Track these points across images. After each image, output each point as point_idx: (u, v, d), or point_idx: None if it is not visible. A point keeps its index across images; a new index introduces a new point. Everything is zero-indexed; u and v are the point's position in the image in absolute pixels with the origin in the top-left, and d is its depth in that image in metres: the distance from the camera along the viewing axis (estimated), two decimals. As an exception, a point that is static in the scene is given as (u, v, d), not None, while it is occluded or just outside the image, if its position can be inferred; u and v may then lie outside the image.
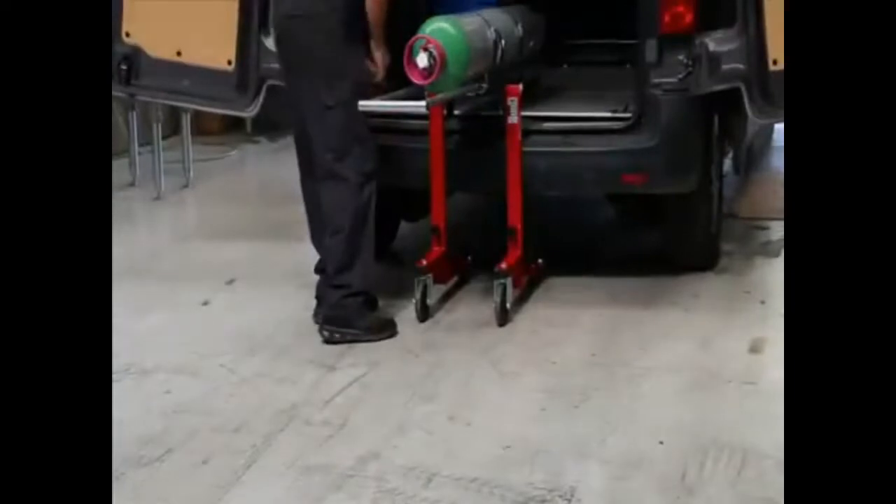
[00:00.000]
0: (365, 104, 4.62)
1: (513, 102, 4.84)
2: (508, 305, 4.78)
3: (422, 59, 4.41)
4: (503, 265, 4.79)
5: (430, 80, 4.47)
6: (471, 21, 4.87)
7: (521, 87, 4.90)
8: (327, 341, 4.55)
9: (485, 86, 4.95)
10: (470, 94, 4.95)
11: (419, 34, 4.48)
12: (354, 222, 4.59)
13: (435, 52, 4.40)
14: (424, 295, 4.83)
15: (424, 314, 4.82)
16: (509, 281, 4.76)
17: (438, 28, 4.50)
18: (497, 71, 4.99)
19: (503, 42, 5.00)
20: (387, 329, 4.66)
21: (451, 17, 4.69)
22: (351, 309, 4.58)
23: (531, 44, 5.41)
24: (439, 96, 4.68)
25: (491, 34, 4.93)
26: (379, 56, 4.69)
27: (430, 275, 4.87)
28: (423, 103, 4.59)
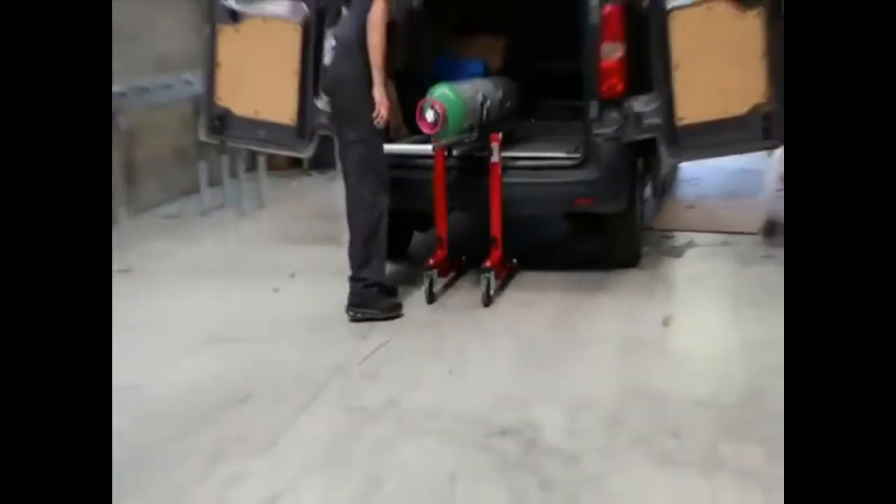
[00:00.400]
0: (388, 147, 4.64)
1: (495, 146, 4.84)
2: (492, 293, 4.78)
3: (429, 115, 4.50)
4: (488, 263, 4.80)
5: (435, 131, 4.55)
6: (465, 87, 4.93)
7: (501, 135, 4.90)
8: (352, 319, 4.52)
9: (475, 134, 4.97)
10: (465, 140, 4.97)
11: (428, 97, 4.54)
12: (368, 234, 4.55)
13: (439, 110, 4.47)
14: (431, 285, 4.82)
15: (431, 299, 4.82)
16: (492, 275, 4.77)
17: (442, 93, 4.57)
18: (484, 124, 5.01)
19: (488, 103, 5.04)
20: (395, 310, 4.60)
21: (451, 84, 4.74)
22: (369, 296, 4.54)
23: (508, 104, 5.43)
24: (442, 142, 4.72)
25: (479, 97, 4.98)
26: (378, 94, 4.46)
27: (435, 271, 4.86)
28: (430, 147, 4.65)
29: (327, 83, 4.79)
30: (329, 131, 5.05)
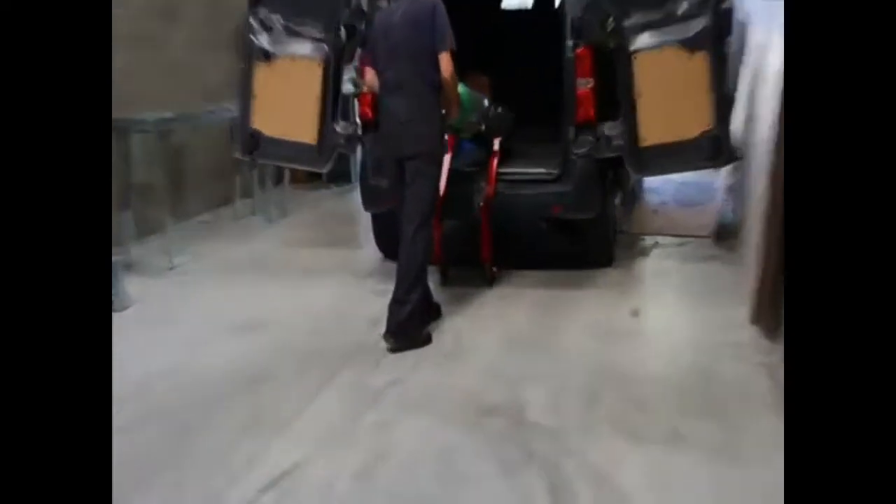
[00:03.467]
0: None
1: (496, 140, 4.88)
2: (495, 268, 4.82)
3: None
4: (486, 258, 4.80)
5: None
6: (475, 92, 4.92)
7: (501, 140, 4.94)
8: (393, 349, 3.91)
9: (482, 126, 4.89)
10: (474, 123, 4.89)
11: None
12: (421, 265, 4.05)
13: None
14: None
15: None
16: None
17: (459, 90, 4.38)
18: (490, 122, 4.96)
19: (493, 108, 5.01)
20: (427, 341, 4.03)
21: (464, 86, 4.60)
22: (412, 325, 3.98)
23: (507, 121, 5.36)
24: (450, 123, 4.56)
25: (486, 101, 4.97)
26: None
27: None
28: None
29: (394, 122, 4.16)
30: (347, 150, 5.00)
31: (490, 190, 4.85)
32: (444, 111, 4.18)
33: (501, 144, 4.98)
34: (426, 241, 4.10)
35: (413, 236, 4.06)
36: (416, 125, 4.08)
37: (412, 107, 4.08)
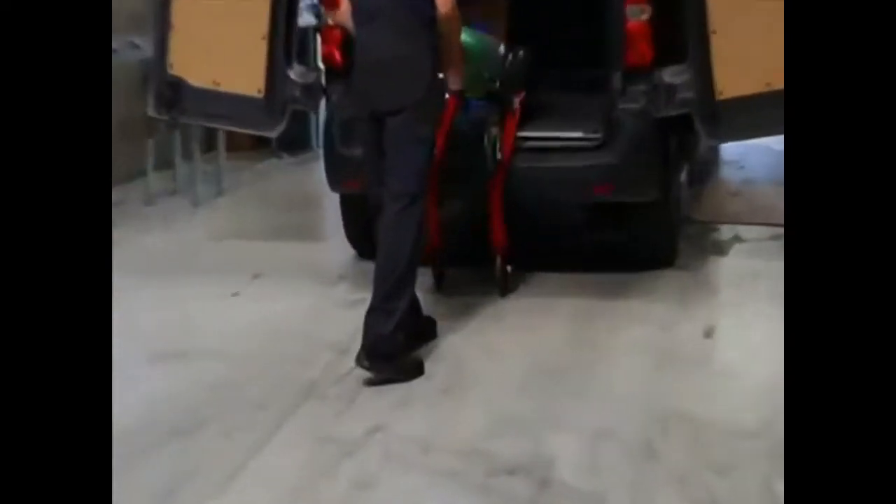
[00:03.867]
0: None
1: (515, 99, 4.93)
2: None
3: None
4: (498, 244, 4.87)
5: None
6: (486, 37, 4.96)
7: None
8: (370, 382, 3.94)
9: (496, 84, 4.91)
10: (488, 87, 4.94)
11: None
12: (410, 258, 4.06)
13: None
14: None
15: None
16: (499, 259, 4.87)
17: (463, 40, 4.45)
18: (506, 76, 4.97)
19: (510, 56, 5.01)
20: (418, 370, 4.05)
21: (469, 28, 4.65)
22: (395, 344, 3.99)
23: (528, 67, 5.39)
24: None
25: (501, 49, 5.00)
26: (455, 83, 4.47)
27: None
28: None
29: (368, 63, 4.21)
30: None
31: (506, 158, 4.87)
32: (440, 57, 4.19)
33: (522, 101, 4.99)
34: (415, 229, 4.10)
35: (397, 221, 4.07)
36: (399, 68, 4.08)
37: (395, 43, 4.09)
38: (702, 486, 3.19)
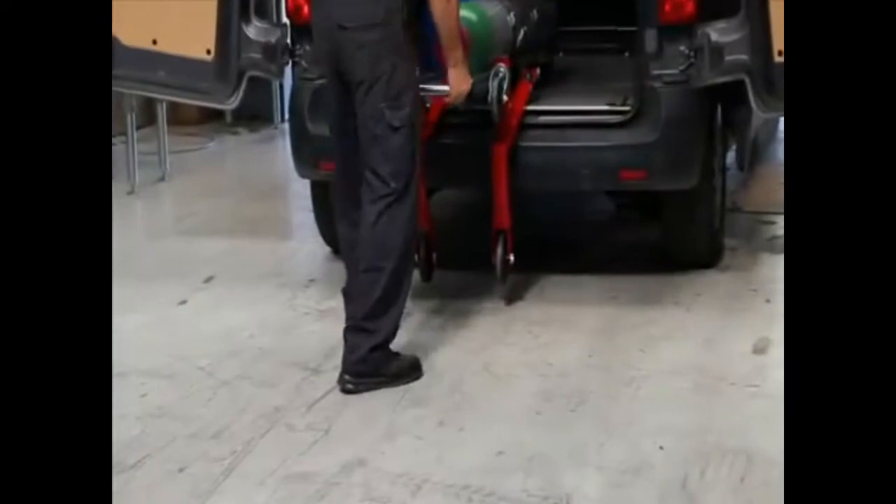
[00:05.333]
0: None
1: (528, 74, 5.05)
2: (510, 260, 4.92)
3: None
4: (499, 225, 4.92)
5: None
6: (492, 7, 4.98)
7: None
8: (350, 392, 4.17)
9: (503, 68, 4.96)
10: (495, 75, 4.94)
11: None
12: (395, 265, 4.19)
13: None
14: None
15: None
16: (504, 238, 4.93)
17: (464, 17, 4.53)
18: (518, 54, 5.06)
19: (524, 28, 5.10)
20: (414, 370, 4.31)
21: (474, 3, 4.78)
22: (378, 360, 4.22)
23: (546, 30, 5.45)
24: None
25: (511, 19, 5.05)
26: (456, 75, 4.41)
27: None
28: (446, 87, 4.54)
29: (324, 24, 4.30)
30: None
31: (514, 122, 4.90)
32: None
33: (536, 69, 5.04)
34: (403, 230, 4.19)
35: (377, 222, 4.16)
36: (364, 28, 4.14)
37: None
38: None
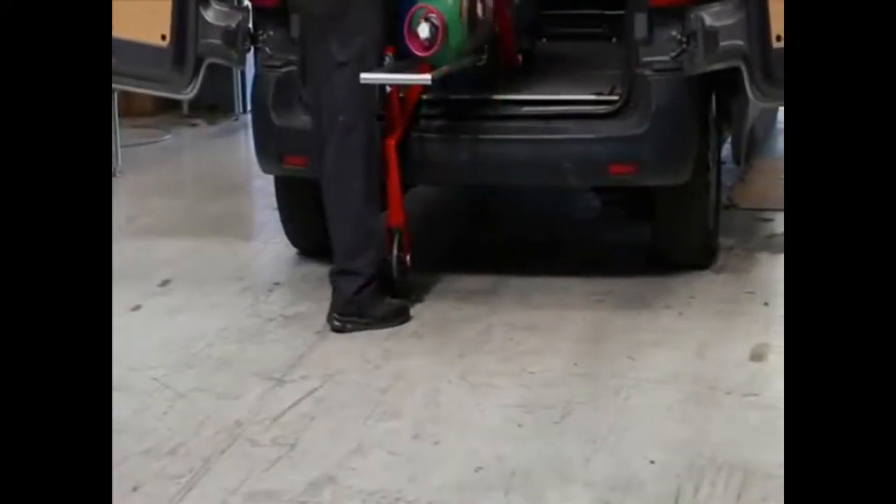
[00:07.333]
0: (366, 76, 4.61)
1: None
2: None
3: (423, 30, 4.57)
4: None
5: (431, 52, 4.57)
6: None
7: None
8: (338, 330, 4.74)
9: (485, 57, 5.02)
10: (472, 64, 5.02)
11: (419, 4, 4.55)
12: (361, 203, 4.74)
13: (437, 23, 4.54)
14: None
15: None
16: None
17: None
18: (499, 41, 5.11)
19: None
20: (400, 315, 4.86)
21: None
22: (364, 301, 4.77)
23: (530, 12, 5.46)
24: (444, 68, 4.73)
25: (490, 1, 5.03)
26: None
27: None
28: (427, 76, 4.61)
29: None
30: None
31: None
32: None
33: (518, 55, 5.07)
34: (361, 159, 4.66)
35: (338, 154, 4.63)
36: None
37: None
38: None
